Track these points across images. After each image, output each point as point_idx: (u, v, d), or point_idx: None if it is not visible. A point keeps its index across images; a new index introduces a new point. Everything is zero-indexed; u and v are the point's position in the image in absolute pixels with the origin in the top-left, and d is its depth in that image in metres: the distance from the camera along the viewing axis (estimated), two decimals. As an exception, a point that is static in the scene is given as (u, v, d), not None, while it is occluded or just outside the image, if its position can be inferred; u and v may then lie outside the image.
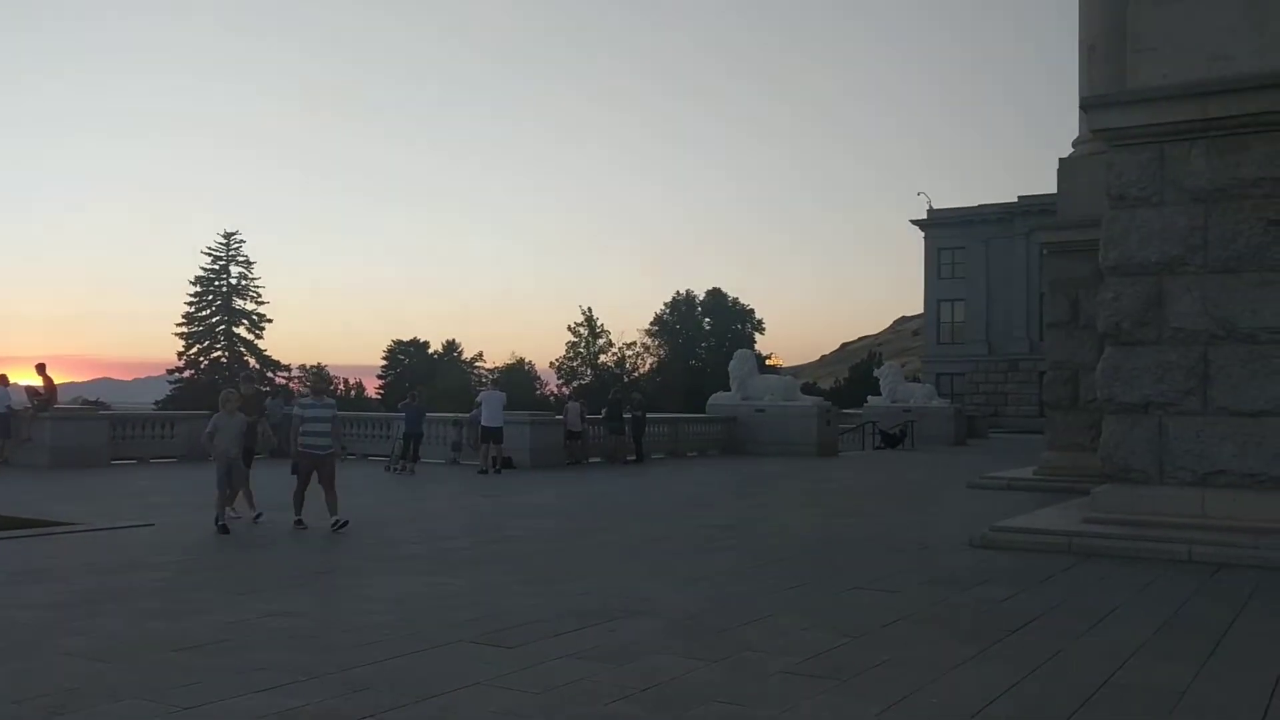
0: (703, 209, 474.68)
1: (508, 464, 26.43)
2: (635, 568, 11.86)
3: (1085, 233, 23.09)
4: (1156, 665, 7.73)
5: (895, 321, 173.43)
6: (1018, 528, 14.25)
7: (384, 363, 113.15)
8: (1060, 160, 24.07)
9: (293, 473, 15.19)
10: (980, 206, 77.03)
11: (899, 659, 7.80)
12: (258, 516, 15.65)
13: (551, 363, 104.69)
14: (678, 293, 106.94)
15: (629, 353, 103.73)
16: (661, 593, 10.34)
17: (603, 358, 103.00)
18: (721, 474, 26.71)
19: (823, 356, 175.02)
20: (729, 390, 37.29)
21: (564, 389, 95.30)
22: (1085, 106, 14.59)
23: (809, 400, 36.75)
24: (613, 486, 22.98)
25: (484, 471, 25.72)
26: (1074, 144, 24.40)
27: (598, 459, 30.16)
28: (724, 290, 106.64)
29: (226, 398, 15.46)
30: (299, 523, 14.72)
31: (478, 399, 27.88)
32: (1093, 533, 13.56)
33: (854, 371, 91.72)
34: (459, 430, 28.96)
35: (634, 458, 30.37)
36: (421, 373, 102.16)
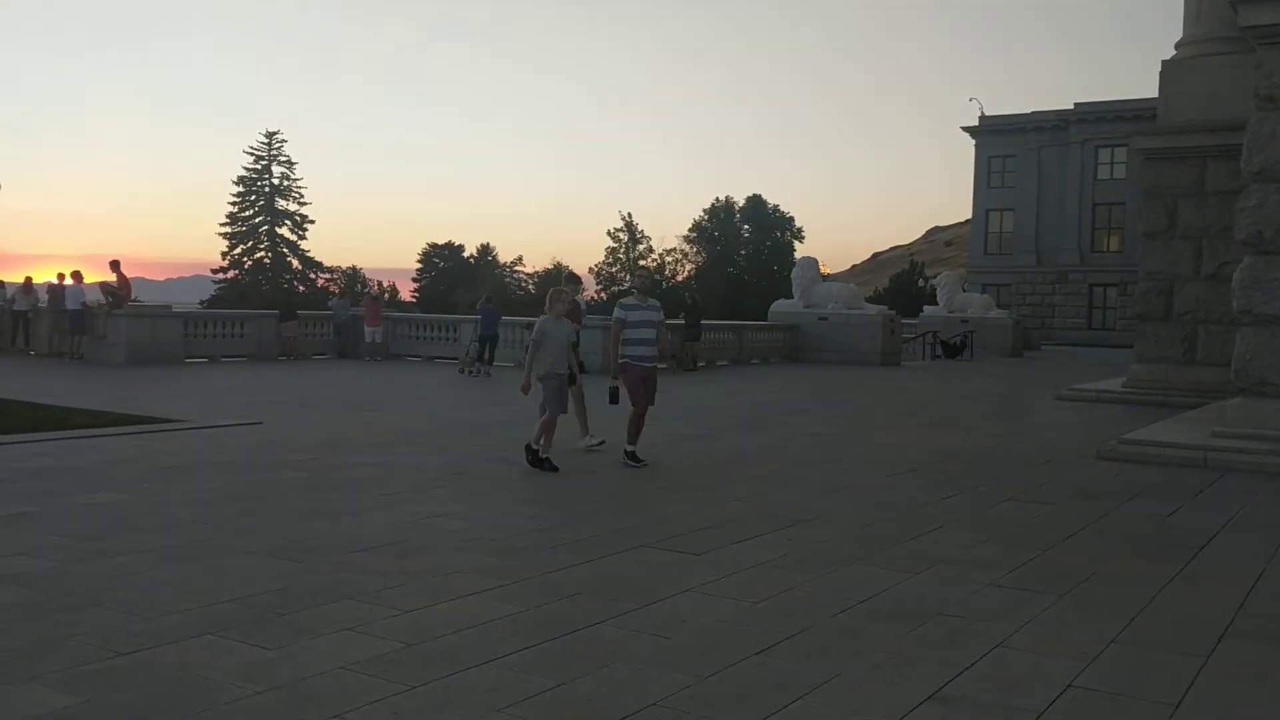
0: (745, 114, 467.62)
1: (581, 369, 26.18)
2: (768, 476, 11.63)
3: (1187, 139, 22.41)
4: (1375, 585, 7.45)
5: (928, 231, 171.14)
6: (1146, 440, 13.91)
7: (419, 266, 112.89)
8: (1163, 63, 23.15)
9: (612, 400, 12.35)
10: (1034, 114, 75.10)
11: (1102, 575, 7.54)
12: (600, 443, 13.15)
13: (591, 268, 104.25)
14: (717, 199, 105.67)
15: (669, 259, 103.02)
16: (812, 502, 10.12)
17: (642, 263, 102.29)
18: (795, 381, 26.41)
19: (854, 266, 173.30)
20: (790, 298, 36.82)
21: (602, 295, 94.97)
22: (1235, 1, 13.85)
23: (874, 309, 36.18)
24: (693, 392, 22.75)
25: (559, 375, 25.53)
26: (1177, 46, 23.43)
27: (664, 365, 29.87)
28: (764, 197, 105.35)
29: (556, 297, 12.15)
30: (634, 456, 11.85)
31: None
32: (1227, 447, 13.21)
33: (894, 281, 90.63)
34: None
35: (702, 363, 30.11)
36: (457, 276, 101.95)
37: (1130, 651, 5.86)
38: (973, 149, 77.27)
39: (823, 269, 41.17)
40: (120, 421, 14.43)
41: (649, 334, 11.87)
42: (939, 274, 58.34)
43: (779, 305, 37.00)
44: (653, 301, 12.23)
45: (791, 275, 37.78)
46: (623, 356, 11.86)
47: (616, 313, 11.94)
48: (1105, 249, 71.79)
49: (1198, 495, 11.04)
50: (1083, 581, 7.33)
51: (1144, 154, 23.11)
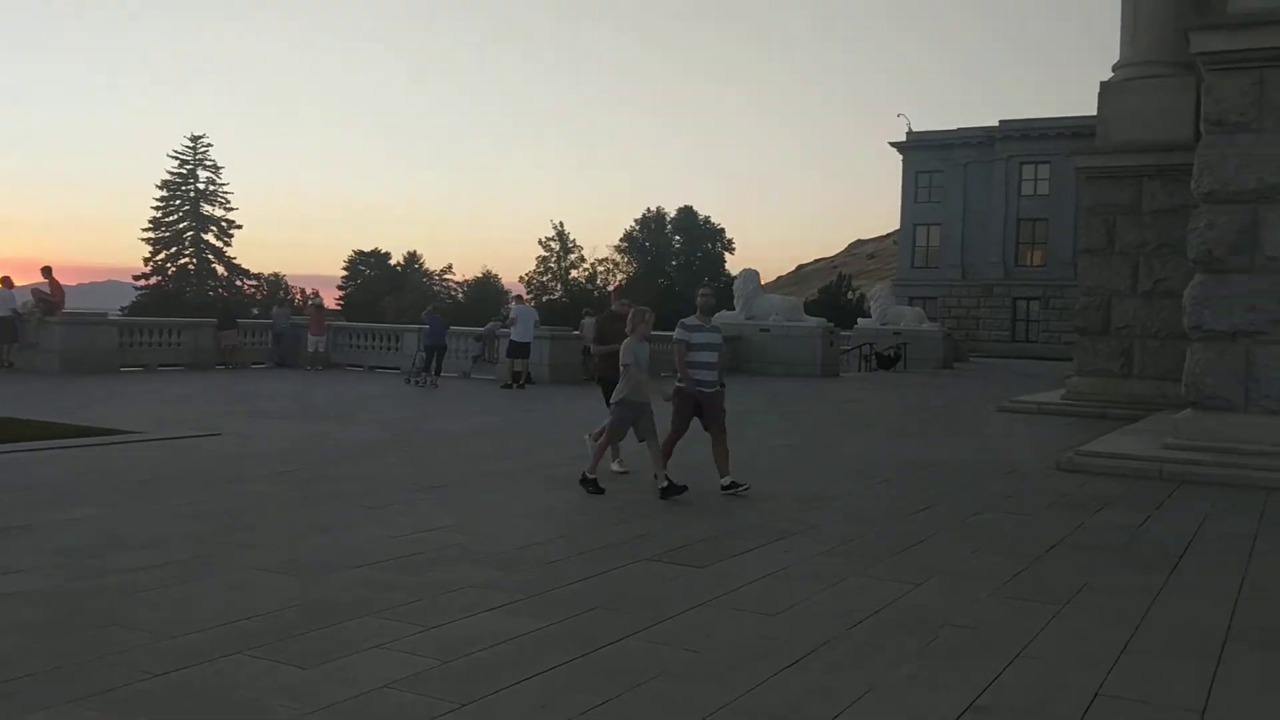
0: (675, 126, 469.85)
1: (529, 380, 26.19)
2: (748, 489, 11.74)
3: (1125, 158, 23.12)
4: (1351, 593, 7.79)
5: (851, 244, 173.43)
6: (1102, 452, 14.33)
7: (344, 273, 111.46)
8: (1101, 84, 23.85)
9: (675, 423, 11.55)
10: (960, 130, 76.77)
11: (1095, 584, 7.78)
12: (624, 472, 12.51)
13: (522, 277, 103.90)
14: (648, 210, 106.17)
15: (600, 269, 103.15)
16: (800, 514, 10.26)
17: (574, 273, 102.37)
18: (745, 393, 26.65)
19: (779, 278, 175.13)
20: (729, 309, 37.13)
21: (530, 304, 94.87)
22: (1187, 29, 14.35)
23: (813, 321, 36.73)
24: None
25: (507, 386, 25.47)
26: (1114, 68, 24.17)
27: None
28: (695, 209, 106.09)
29: (640, 318, 11.48)
30: (672, 486, 10.91)
31: (508, 314, 27.58)
32: (1180, 459, 13.67)
33: (823, 293, 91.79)
34: (481, 344, 28.68)
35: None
36: (384, 284, 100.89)
37: (1143, 660, 6.06)
38: (899, 164, 78.76)
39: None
40: (75, 433, 14.09)
41: (711, 357, 11.54)
42: (868, 286, 59.32)
43: (719, 316, 37.30)
44: (714, 323, 11.90)
45: (733, 287, 38.11)
46: (681, 380, 11.46)
47: (679, 333, 11.49)
48: (1029, 263, 73.57)
49: (1160, 506, 11.41)
50: (1079, 591, 7.55)
51: (1084, 173, 23.79)
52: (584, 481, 11.18)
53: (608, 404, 11.92)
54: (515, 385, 25.48)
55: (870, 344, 43.62)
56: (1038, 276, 72.26)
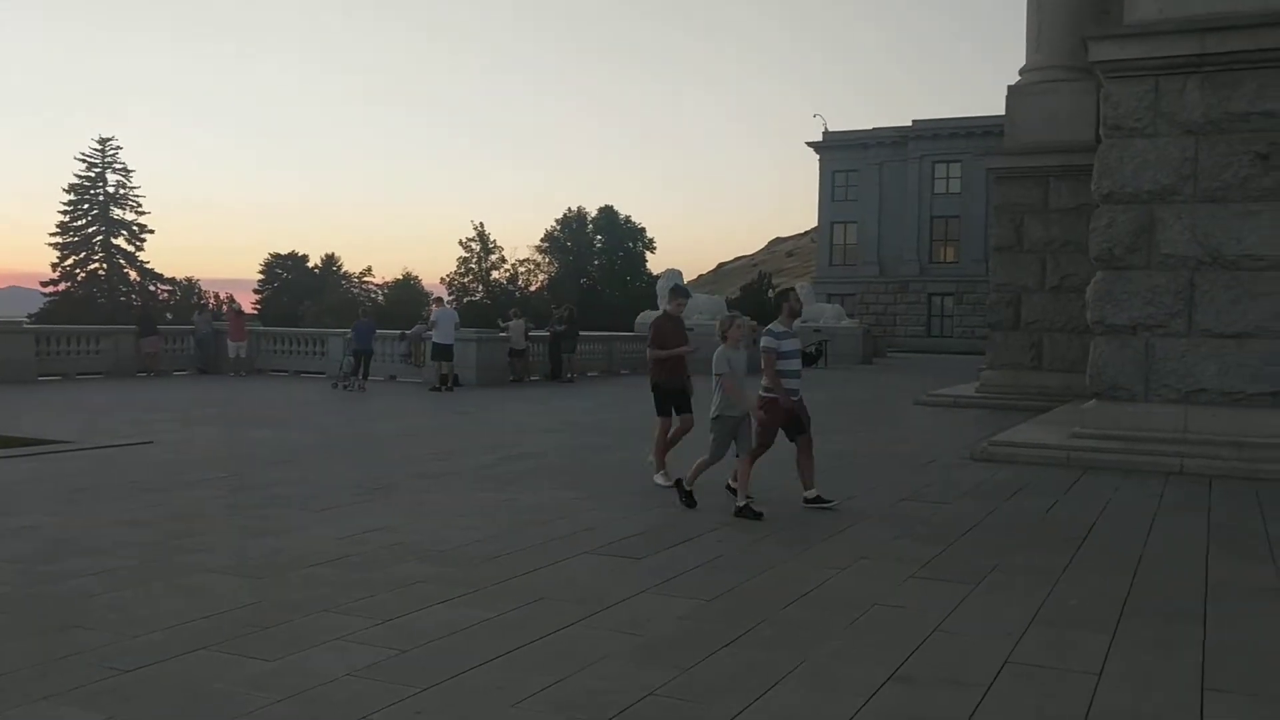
0: (595, 126, 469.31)
1: (456, 382, 26.38)
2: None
3: (1031, 159, 24.07)
4: (1241, 564, 8.45)
5: (770, 242, 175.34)
6: (1013, 442, 15.04)
7: (260, 277, 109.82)
8: (1009, 88, 24.78)
9: (763, 433, 10.80)
10: (875, 130, 78.25)
11: (1006, 565, 8.33)
12: (671, 484, 11.49)
13: (442, 278, 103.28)
14: (569, 209, 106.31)
15: (521, 269, 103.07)
16: (733, 504, 10.70)
17: (495, 274, 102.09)
18: None
19: (700, 276, 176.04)
20: (654, 309, 37.66)
21: (453, 305, 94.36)
22: (1086, 38, 15.11)
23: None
24: (578, 403, 23.19)
25: (436, 389, 25.62)
26: (1021, 72, 25.12)
27: (537, 377, 30.33)
28: (615, 209, 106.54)
29: (735, 325, 10.75)
30: (748, 509, 10.08)
31: (429, 317, 27.68)
32: (1086, 447, 14.42)
33: (745, 291, 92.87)
34: (407, 345, 28.81)
35: (571, 376, 30.53)
36: (302, 288, 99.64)
37: (1048, 631, 6.59)
38: (816, 163, 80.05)
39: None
40: (3, 444, 14.01)
41: (798, 364, 10.92)
42: (792, 284, 60.33)
43: (644, 317, 37.73)
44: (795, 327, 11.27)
45: (657, 286, 38.58)
46: (768, 390, 10.64)
47: (766, 341, 10.70)
48: (943, 260, 75.38)
49: (1068, 492, 12.08)
50: (991, 571, 8.09)
51: (994, 173, 24.70)
52: (682, 495, 10.64)
53: (662, 411, 11.92)
54: (443, 388, 25.65)
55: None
56: (951, 273, 74.32)
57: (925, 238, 75.87)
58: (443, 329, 25.93)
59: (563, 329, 30.17)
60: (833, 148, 79.16)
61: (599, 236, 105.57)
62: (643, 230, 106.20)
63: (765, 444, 10.89)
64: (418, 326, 29.50)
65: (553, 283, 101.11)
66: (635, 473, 12.87)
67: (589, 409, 22.18)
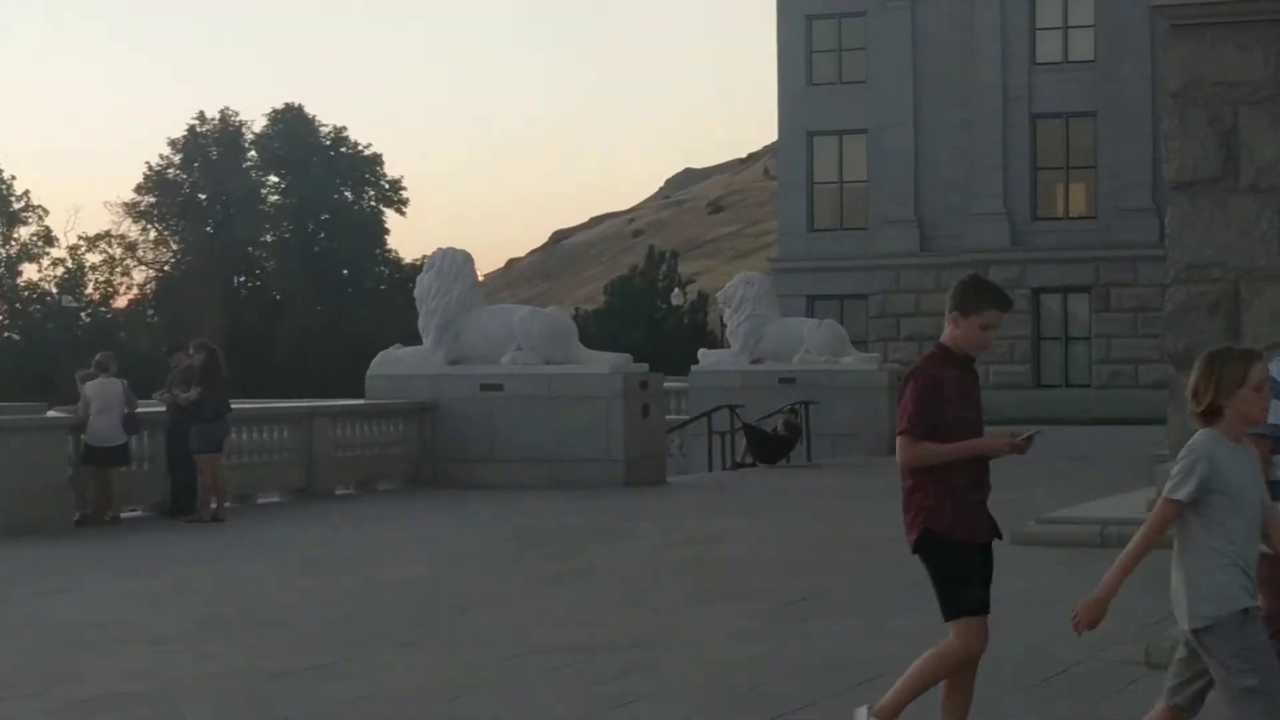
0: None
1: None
2: None
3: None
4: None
5: (667, 184, 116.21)
6: None
7: None
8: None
9: None
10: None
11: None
12: None
13: None
14: (201, 116, 54.58)
15: (93, 257, 54.52)
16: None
17: (32, 274, 54.52)
18: (427, 540, 13.57)
19: (487, 276, 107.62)
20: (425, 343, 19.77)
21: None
22: None
23: (604, 360, 21.21)
24: (253, 599, 10.88)
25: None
26: None
27: (139, 510, 16.22)
28: (307, 109, 56.10)
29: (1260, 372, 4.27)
30: None
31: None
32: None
33: (621, 292, 48.52)
34: None
35: (216, 506, 15.44)
36: None
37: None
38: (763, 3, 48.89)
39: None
40: None
41: None
42: (727, 280, 40.69)
43: (388, 366, 20.20)
44: None
45: (415, 287, 20.63)
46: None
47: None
48: (1060, 213, 36.55)
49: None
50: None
51: (1169, 17, 11.18)
52: None
53: (959, 608, 5.00)
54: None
55: (732, 406, 23.70)
56: (1080, 240, 37.44)
57: (1022, 164, 38.04)
58: None
59: (192, 396, 15.39)
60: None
61: (275, 177, 55.72)
62: (377, 163, 56.42)
63: None
64: None
65: (169, 290, 53.26)
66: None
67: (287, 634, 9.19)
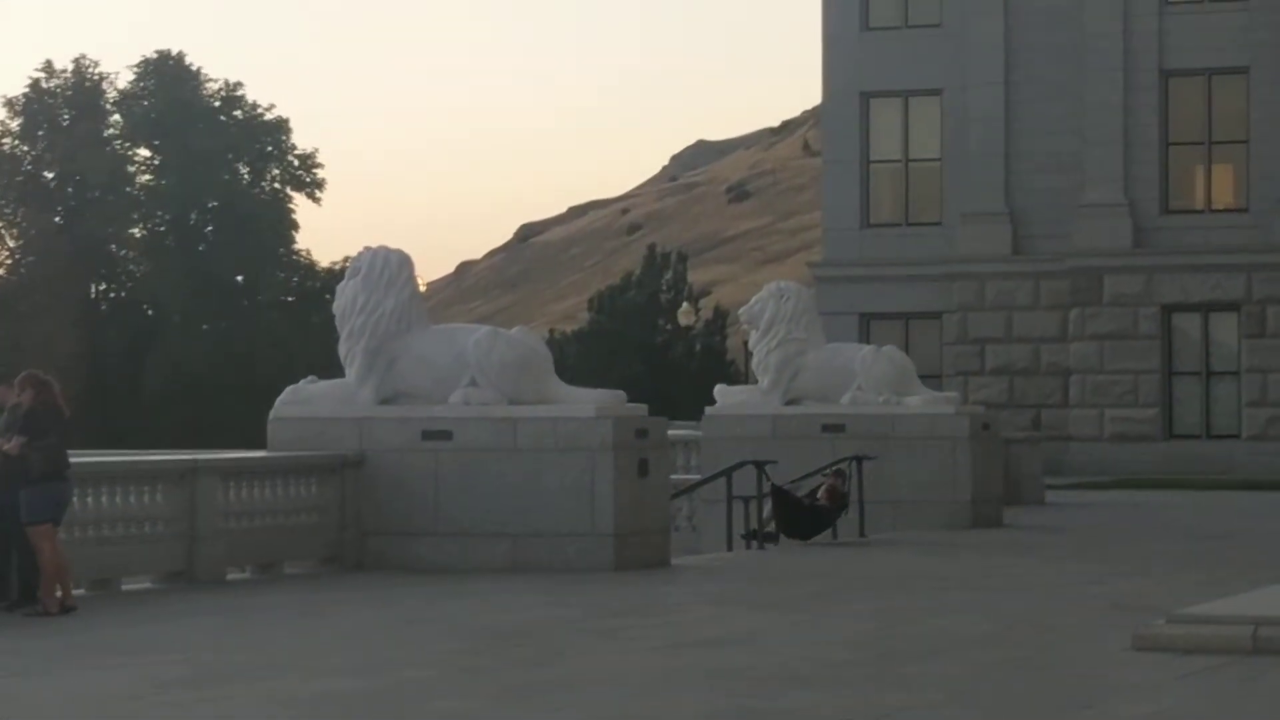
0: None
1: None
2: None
3: None
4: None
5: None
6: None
7: None
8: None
9: None
10: None
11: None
12: None
13: None
14: (48, 67, 42.89)
15: None
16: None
17: None
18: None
19: (432, 284, 72.07)
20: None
21: None
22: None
23: (588, 398, 16.09)
24: None
25: None
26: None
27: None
28: (188, 60, 43.80)
29: None
30: None
31: None
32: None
33: (611, 298, 43.80)
34: None
35: (64, 598, 12.19)
36: None
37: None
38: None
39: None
40: None
41: None
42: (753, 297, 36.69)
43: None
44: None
45: (337, 309, 16.31)
46: None
47: None
48: (1202, 205, 29.94)
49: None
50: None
51: None
52: None
53: None
54: None
55: (759, 462, 18.70)
56: (1229, 241, 30.11)
57: (1149, 138, 30.16)
58: None
59: (13, 449, 12.00)
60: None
61: (145, 151, 43.60)
62: (282, 131, 44.71)
63: None
64: None
65: (3, 301, 41.38)
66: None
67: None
